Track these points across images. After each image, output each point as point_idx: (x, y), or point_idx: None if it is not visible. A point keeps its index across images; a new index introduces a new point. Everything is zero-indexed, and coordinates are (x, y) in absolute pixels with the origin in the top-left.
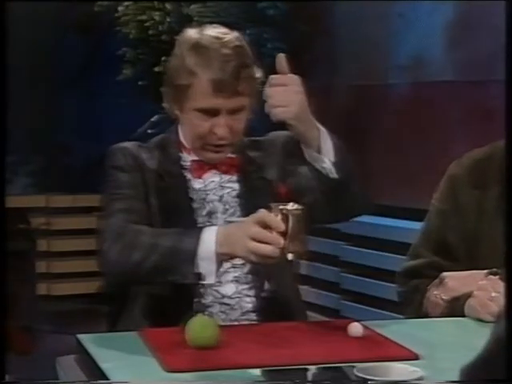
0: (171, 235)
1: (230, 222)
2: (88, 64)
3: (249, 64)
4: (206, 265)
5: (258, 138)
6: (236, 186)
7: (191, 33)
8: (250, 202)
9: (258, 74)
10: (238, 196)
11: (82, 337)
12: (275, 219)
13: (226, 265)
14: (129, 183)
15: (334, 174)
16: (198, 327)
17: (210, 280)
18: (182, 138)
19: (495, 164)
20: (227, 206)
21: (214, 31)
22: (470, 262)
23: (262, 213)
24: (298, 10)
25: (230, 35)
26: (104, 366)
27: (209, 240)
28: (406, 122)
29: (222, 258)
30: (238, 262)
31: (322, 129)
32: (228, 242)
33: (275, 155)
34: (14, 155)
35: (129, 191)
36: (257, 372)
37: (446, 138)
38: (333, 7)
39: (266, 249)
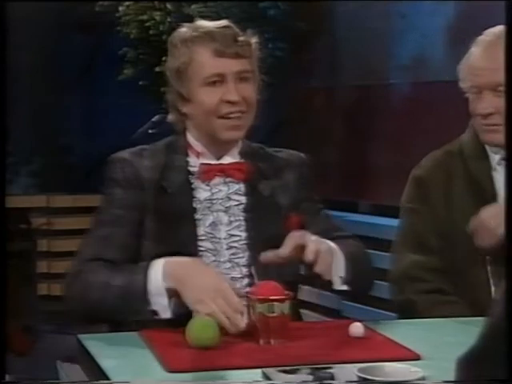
0: (122, 274)
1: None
2: (89, 64)
3: (244, 33)
4: (158, 301)
5: (269, 150)
6: (243, 199)
7: (180, 29)
8: (257, 218)
9: (254, 39)
10: (245, 210)
11: (83, 337)
12: (239, 305)
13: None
14: (122, 201)
15: (342, 287)
16: (199, 327)
17: (165, 315)
18: (190, 141)
19: (453, 158)
20: (232, 218)
21: (199, 21)
22: (446, 255)
23: (233, 291)
24: (299, 10)
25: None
26: (105, 365)
27: (155, 275)
28: (406, 122)
29: (173, 292)
30: (236, 275)
31: (334, 247)
32: (182, 280)
33: (288, 179)
34: (14, 155)
35: (119, 211)
36: (257, 372)
37: (447, 137)
38: (334, 7)
39: (226, 322)
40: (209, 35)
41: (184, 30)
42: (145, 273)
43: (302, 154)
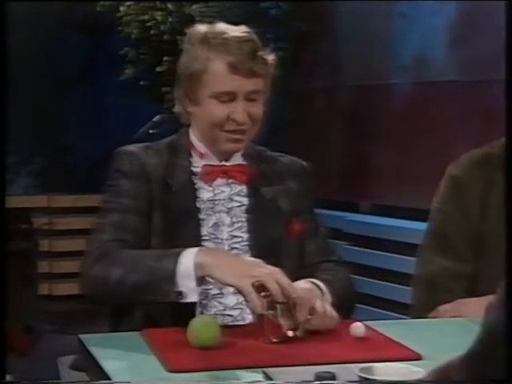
0: (152, 255)
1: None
2: (90, 64)
3: (262, 47)
4: (186, 283)
5: (271, 154)
6: (245, 200)
7: (200, 27)
8: (258, 219)
9: (271, 57)
10: (246, 211)
11: (84, 337)
12: (284, 282)
13: None
14: (130, 192)
15: None
16: (200, 327)
17: (191, 298)
18: (193, 141)
19: (494, 163)
20: (234, 220)
21: (221, 24)
22: (477, 262)
23: (275, 270)
24: (300, 10)
25: (237, 26)
26: (106, 366)
27: (187, 259)
28: (407, 122)
29: (201, 278)
30: None
31: (320, 284)
32: (218, 264)
33: (290, 185)
34: (15, 155)
35: (127, 201)
36: (258, 372)
37: (447, 137)
38: (335, 7)
39: (257, 301)
40: (226, 46)
41: (204, 30)
42: (176, 256)
43: (304, 163)
